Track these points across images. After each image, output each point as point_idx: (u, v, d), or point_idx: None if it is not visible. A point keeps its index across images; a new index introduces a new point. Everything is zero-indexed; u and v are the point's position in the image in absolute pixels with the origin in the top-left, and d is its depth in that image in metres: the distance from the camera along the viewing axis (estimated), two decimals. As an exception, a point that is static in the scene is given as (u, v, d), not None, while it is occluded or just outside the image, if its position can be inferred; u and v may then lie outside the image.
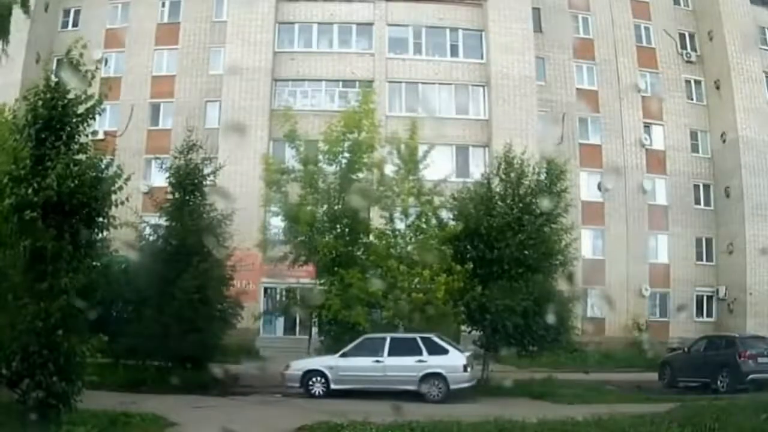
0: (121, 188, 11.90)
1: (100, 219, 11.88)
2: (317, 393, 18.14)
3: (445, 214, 22.24)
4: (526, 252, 20.51)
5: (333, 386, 18.08)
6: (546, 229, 21.53)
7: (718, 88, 35.86)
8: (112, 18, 35.36)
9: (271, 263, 23.74)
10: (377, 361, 17.91)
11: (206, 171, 21.45)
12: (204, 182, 21.12)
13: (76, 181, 11.14)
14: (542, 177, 22.39)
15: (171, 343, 18.62)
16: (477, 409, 14.69)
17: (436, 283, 19.43)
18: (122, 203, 12.08)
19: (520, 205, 21.24)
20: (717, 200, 35.59)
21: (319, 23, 33.89)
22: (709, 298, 34.87)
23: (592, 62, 35.82)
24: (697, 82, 36.80)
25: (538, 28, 34.77)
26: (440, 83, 33.52)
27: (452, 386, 17.43)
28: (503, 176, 22.11)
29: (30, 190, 10.94)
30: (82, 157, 11.69)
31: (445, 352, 17.91)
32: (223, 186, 22.91)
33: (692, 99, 36.60)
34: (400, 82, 33.31)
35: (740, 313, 32.65)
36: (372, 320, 20.56)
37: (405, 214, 21.45)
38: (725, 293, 34.11)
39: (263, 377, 19.38)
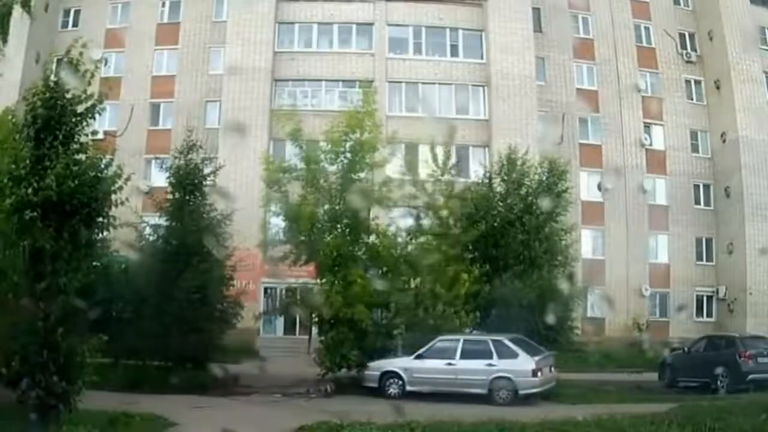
0: (121, 188, 11.88)
1: (100, 219, 11.88)
2: (393, 394, 18.13)
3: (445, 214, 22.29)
4: (528, 249, 20.56)
5: (408, 388, 18.09)
6: (547, 229, 21.61)
7: (718, 88, 35.85)
8: (112, 18, 35.34)
9: (271, 263, 23.74)
10: (449, 364, 17.81)
11: (206, 171, 21.47)
12: (204, 182, 21.14)
13: (76, 181, 11.13)
14: (543, 177, 22.48)
15: (171, 343, 18.63)
16: (479, 409, 14.68)
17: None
18: (122, 203, 12.06)
19: (521, 205, 21.27)
20: (717, 200, 35.58)
21: (319, 23, 33.88)
22: (709, 298, 34.85)
23: (592, 62, 35.81)
24: (697, 82, 36.79)
25: (538, 28, 34.76)
26: (440, 83, 33.49)
27: (521, 391, 17.13)
28: (505, 176, 22.16)
29: (29, 190, 10.94)
30: (81, 157, 11.69)
31: (514, 356, 17.54)
32: (223, 186, 22.92)
33: (692, 99, 36.59)
34: (400, 82, 33.29)
35: (740, 313, 32.63)
36: (373, 320, 20.64)
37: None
38: (725, 293, 34.09)
39: (263, 377, 19.38)
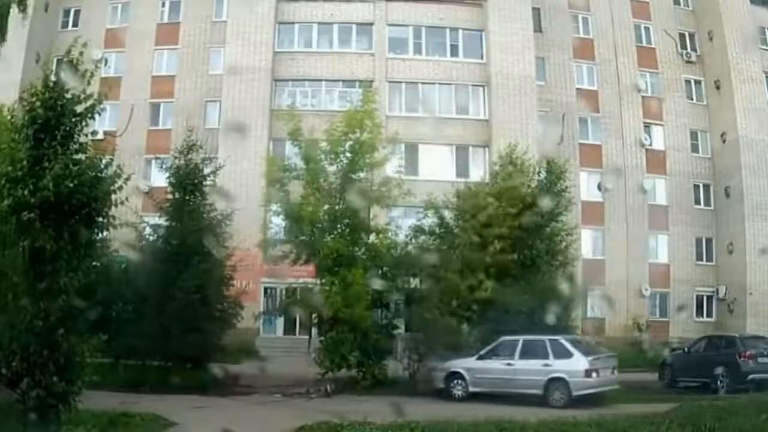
0: (120, 188, 11.87)
1: (100, 219, 11.85)
2: (457, 395, 18.06)
3: (447, 214, 22.32)
4: (528, 249, 20.52)
5: (470, 389, 17.99)
6: (547, 229, 21.57)
7: (718, 88, 35.86)
8: (112, 18, 35.34)
9: (271, 263, 23.75)
10: (509, 364, 17.67)
11: (206, 171, 21.49)
12: (204, 182, 21.15)
13: (75, 182, 11.10)
14: (542, 177, 22.46)
15: (171, 343, 18.64)
16: (479, 409, 14.68)
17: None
18: (122, 203, 12.05)
19: (521, 205, 21.21)
20: (717, 200, 35.59)
21: (319, 23, 33.91)
22: (709, 298, 34.87)
23: (592, 62, 35.82)
24: (697, 82, 36.81)
25: (538, 28, 34.75)
26: (440, 83, 33.52)
27: (574, 392, 16.66)
28: (505, 176, 22.12)
29: (27, 192, 10.91)
30: (81, 156, 11.66)
31: (569, 355, 17.23)
32: (223, 186, 22.93)
33: (692, 99, 36.61)
34: (400, 82, 33.31)
35: (740, 313, 32.64)
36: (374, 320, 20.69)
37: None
38: (725, 293, 34.10)
39: (263, 377, 19.38)
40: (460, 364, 18.46)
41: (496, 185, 22.22)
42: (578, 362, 16.97)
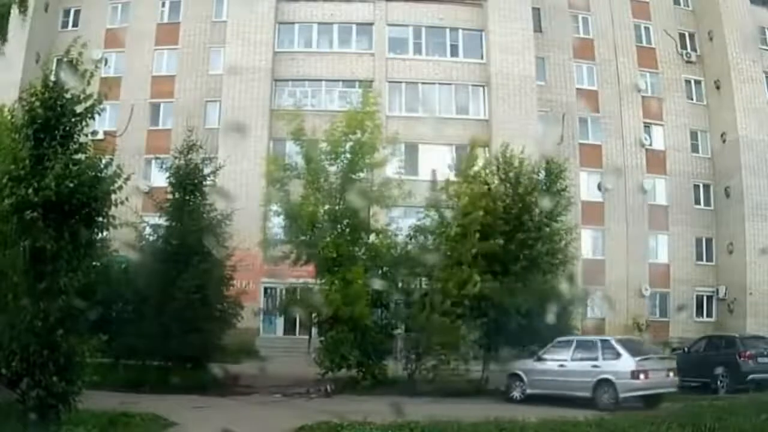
0: (120, 188, 11.87)
1: (100, 219, 11.84)
2: (516, 397, 17.90)
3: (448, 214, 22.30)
4: (528, 249, 20.52)
5: (528, 390, 17.83)
6: (547, 228, 21.56)
7: (718, 88, 35.90)
8: (112, 18, 35.40)
9: (271, 263, 23.76)
10: (561, 366, 17.42)
11: (206, 171, 21.49)
12: (204, 182, 21.15)
13: (75, 181, 11.10)
14: (541, 176, 22.46)
15: (171, 343, 18.65)
16: (479, 408, 14.67)
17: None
18: (122, 203, 12.05)
19: (520, 204, 21.23)
20: (717, 200, 35.63)
21: (319, 23, 33.95)
22: (709, 298, 34.91)
23: (592, 62, 35.86)
24: (697, 82, 36.86)
25: (538, 28, 34.80)
26: (440, 83, 33.56)
27: (621, 394, 16.08)
28: (502, 175, 22.11)
29: (30, 190, 10.90)
30: (81, 156, 11.66)
31: (617, 356, 16.71)
32: (223, 186, 22.93)
33: (692, 99, 36.66)
34: (400, 82, 33.35)
35: (740, 313, 32.68)
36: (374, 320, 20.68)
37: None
38: (725, 293, 34.14)
39: (263, 377, 19.38)
40: (520, 366, 18.38)
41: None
42: (626, 363, 16.45)
